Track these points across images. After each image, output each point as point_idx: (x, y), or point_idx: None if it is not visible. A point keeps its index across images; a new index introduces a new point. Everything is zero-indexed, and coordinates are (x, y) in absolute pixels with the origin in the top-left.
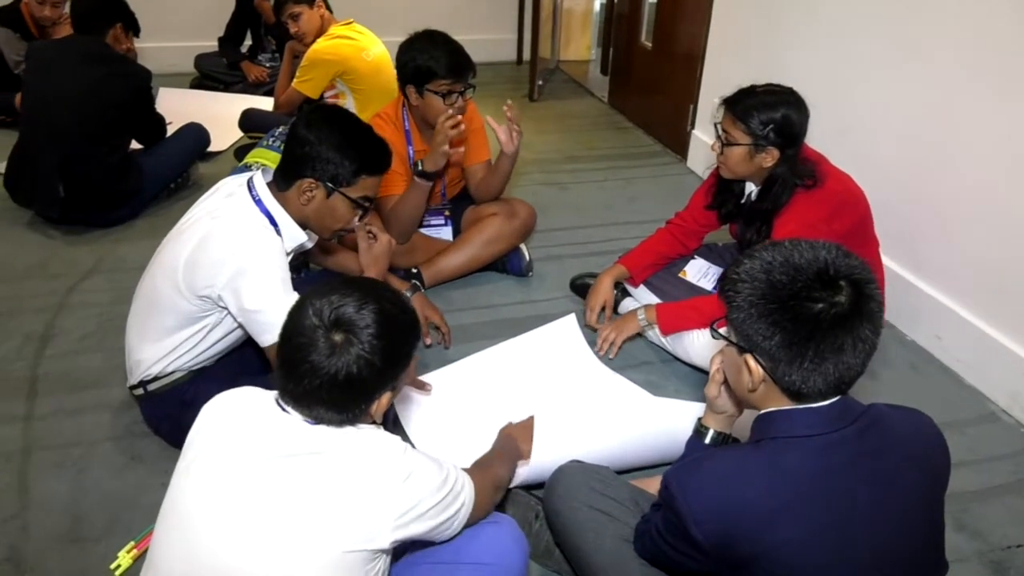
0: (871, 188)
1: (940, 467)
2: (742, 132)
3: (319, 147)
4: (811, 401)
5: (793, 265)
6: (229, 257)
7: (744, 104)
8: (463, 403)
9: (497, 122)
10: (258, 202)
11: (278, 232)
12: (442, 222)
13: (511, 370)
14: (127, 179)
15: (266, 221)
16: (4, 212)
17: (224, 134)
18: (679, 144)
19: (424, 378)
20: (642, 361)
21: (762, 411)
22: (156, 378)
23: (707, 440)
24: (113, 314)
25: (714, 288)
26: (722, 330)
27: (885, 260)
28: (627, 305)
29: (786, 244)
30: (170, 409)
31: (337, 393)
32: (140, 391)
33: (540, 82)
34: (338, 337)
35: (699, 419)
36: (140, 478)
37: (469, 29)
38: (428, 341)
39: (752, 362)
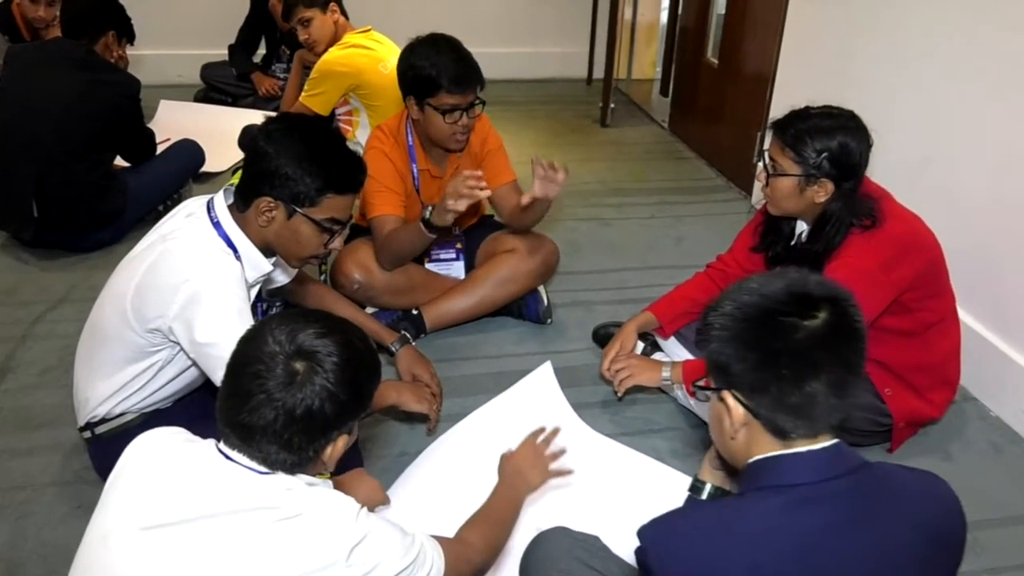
0: (954, 231)
1: (952, 537)
2: (792, 161)
3: (277, 161)
4: (798, 441)
5: (768, 289)
6: (180, 284)
7: (796, 128)
8: (439, 497)
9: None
10: (216, 224)
11: (238, 258)
12: (453, 256)
13: (487, 442)
14: (108, 199)
15: (223, 245)
16: None
17: (225, 152)
18: (744, 178)
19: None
20: (666, 426)
21: (749, 461)
22: (104, 420)
23: (704, 496)
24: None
25: None
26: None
27: (964, 317)
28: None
29: (765, 274)
30: (120, 455)
31: (294, 429)
32: (88, 434)
33: (612, 105)
34: (299, 365)
35: (696, 474)
36: (83, 528)
37: (535, 41)
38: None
39: (730, 399)
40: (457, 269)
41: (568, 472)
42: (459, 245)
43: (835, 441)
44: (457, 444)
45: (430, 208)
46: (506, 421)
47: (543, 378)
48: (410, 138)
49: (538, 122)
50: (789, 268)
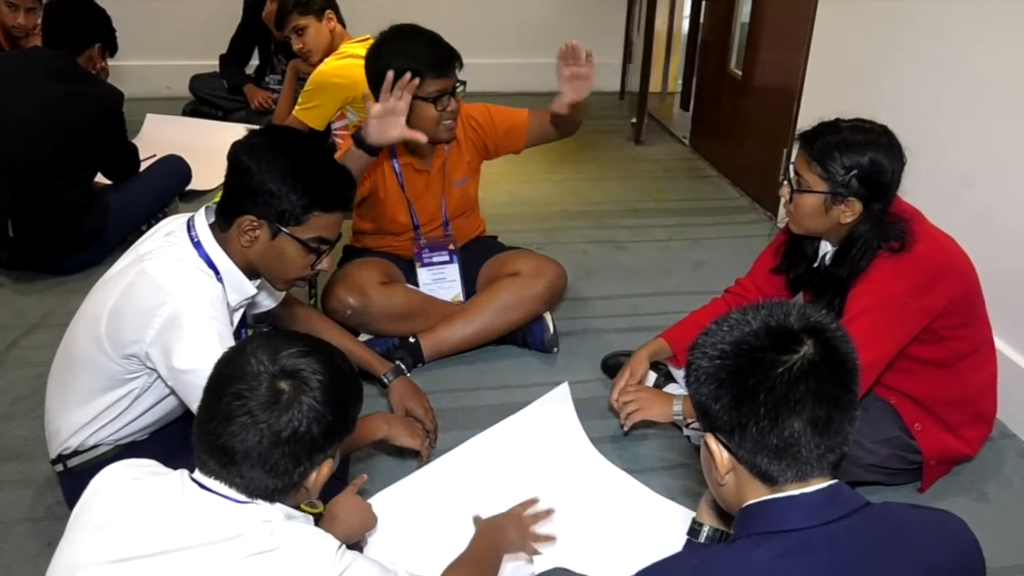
0: (991, 255)
1: None
2: (818, 177)
3: (260, 177)
4: (788, 486)
5: (745, 324)
6: (158, 307)
7: (823, 141)
8: (439, 515)
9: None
10: (197, 244)
11: (220, 280)
12: (446, 258)
13: (495, 465)
14: (88, 219)
15: (204, 266)
16: None
17: (214, 170)
18: (769, 198)
19: (383, 494)
20: (678, 463)
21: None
22: (77, 452)
23: (702, 538)
24: None
25: None
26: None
27: (1001, 347)
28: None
29: (745, 307)
30: None
31: (280, 453)
32: (60, 467)
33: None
34: (285, 385)
35: (694, 517)
36: None
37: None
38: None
39: (713, 443)
40: (452, 272)
41: (552, 539)
42: (452, 247)
43: (831, 482)
44: (459, 467)
45: (361, 128)
46: (515, 445)
47: (559, 400)
48: None
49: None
50: (772, 300)
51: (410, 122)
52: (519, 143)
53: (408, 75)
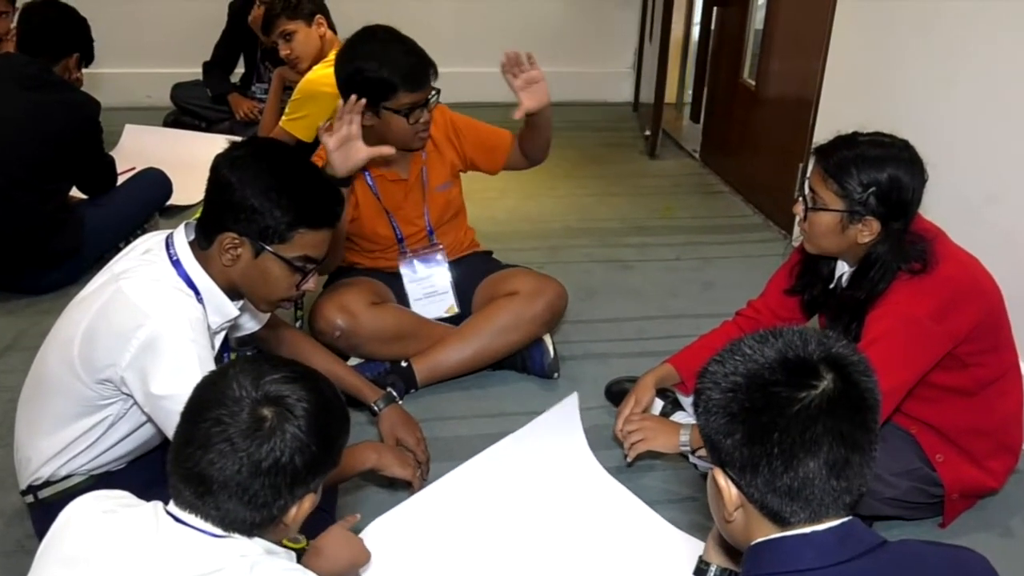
0: (1017, 276)
1: None
2: (834, 194)
3: (242, 192)
4: (799, 524)
5: (759, 355)
6: (135, 329)
7: (840, 157)
8: (438, 544)
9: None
10: (176, 263)
11: (200, 300)
12: (439, 261)
13: (497, 485)
14: (62, 235)
15: (184, 286)
16: None
17: (196, 184)
18: (783, 215)
19: (377, 523)
20: (687, 496)
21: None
22: (48, 482)
23: None
24: None
25: None
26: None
27: None
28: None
29: (760, 334)
30: None
31: (259, 483)
32: (30, 498)
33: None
34: (267, 412)
35: (700, 555)
36: None
37: (570, 60)
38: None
39: (722, 479)
40: (442, 280)
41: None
42: (439, 256)
43: (845, 520)
44: (461, 488)
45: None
46: (517, 463)
47: (566, 413)
48: None
49: (569, 151)
50: (788, 328)
51: (382, 133)
52: (497, 164)
53: (353, 98)
